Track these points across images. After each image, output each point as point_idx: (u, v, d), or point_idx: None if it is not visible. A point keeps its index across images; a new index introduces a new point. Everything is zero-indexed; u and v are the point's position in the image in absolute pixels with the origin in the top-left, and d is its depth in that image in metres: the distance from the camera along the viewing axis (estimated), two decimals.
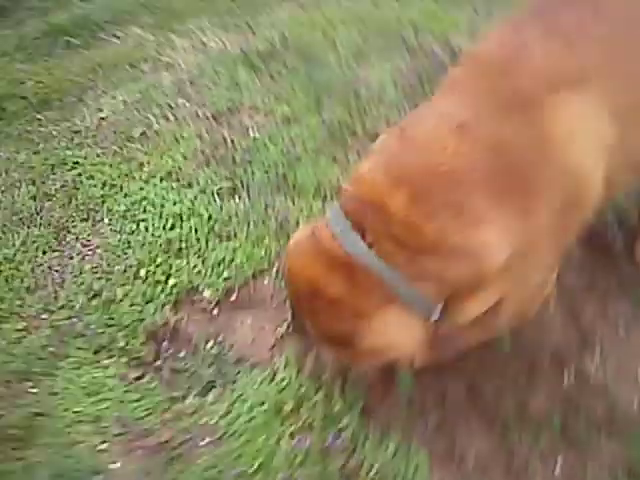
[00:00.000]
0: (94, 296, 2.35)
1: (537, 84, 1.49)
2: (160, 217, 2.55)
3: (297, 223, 2.48)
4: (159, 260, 2.41)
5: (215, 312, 2.30)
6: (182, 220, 2.52)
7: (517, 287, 1.57)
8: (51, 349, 2.28)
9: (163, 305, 2.30)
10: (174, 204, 2.58)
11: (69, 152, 3.04)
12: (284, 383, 2.01)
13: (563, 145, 1.46)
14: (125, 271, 2.41)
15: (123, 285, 2.35)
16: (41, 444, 1.96)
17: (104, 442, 1.99)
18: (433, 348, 1.56)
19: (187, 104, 3.15)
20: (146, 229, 2.53)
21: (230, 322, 2.29)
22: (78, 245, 2.60)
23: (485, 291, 1.49)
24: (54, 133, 3.22)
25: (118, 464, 1.90)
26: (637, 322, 2.09)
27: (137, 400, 2.07)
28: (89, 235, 2.62)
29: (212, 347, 2.21)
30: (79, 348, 2.25)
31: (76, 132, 3.18)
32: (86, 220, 2.71)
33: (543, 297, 1.78)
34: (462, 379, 2.00)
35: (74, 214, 2.74)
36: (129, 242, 2.50)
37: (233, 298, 2.35)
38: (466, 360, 1.99)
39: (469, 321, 1.57)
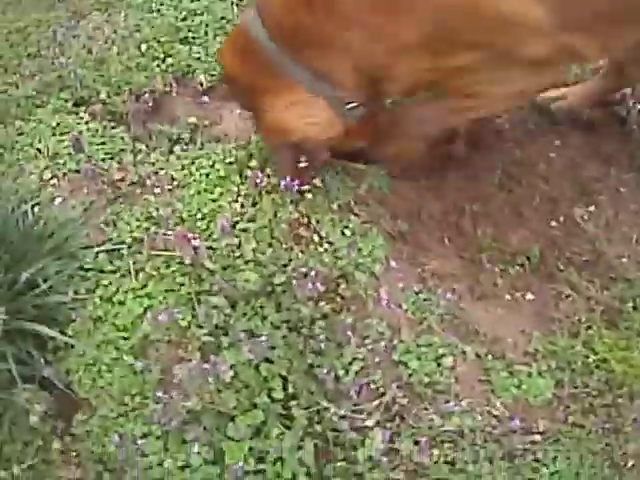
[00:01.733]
0: (90, 55, 2.28)
1: None
2: (175, 9, 2.52)
3: None
4: (163, 40, 2.36)
5: (205, 98, 2.21)
6: (195, 15, 2.48)
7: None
8: (33, 99, 2.24)
9: (155, 77, 2.23)
10: (192, 1, 2.53)
11: None
12: (254, 151, 1.92)
13: None
14: (127, 44, 2.34)
15: (120, 52, 2.29)
16: None
17: (54, 177, 1.95)
18: (380, 135, 1.68)
19: None
20: (159, 15, 2.47)
21: (219, 108, 2.22)
22: (89, 26, 2.56)
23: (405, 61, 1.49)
24: None
25: (60, 199, 1.84)
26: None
27: (101, 144, 2.01)
28: (102, 21, 2.57)
29: (194, 122, 2.12)
30: (60, 98, 2.21)
31: None
32: (104, 11, 2.66)
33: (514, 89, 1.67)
34: (441, 199, 1.89)
35: (93, 3, 2.72)
36: (139, 24, 2.45)
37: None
38: (447, 181, 1.89)
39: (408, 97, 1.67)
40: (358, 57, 1.49)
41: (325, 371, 1.42)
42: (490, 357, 1.57)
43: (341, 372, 1.47)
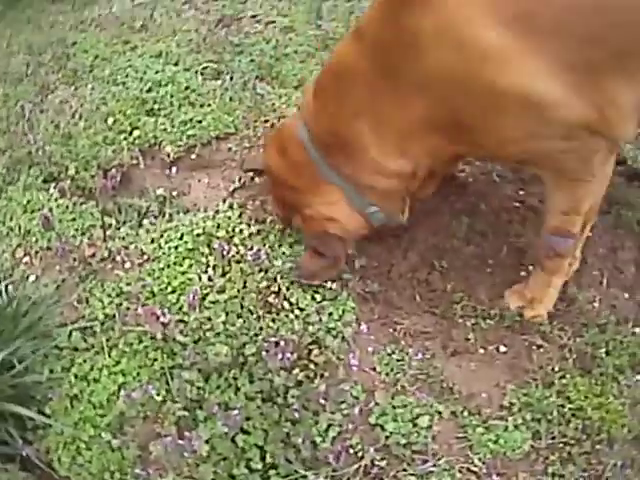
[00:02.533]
0: (58, 130, 2.31)
1: None
2: (140, 81, 2.57)
3: (273, 105, 2.44)
4: (129, 113, 2.40)
5: (173, 169, 2.25)
6: (160, 86, 2.53)
7: None
8: (3, 176, 2.27)
9: (122, 150, 2.27)
10: (156, 73, 2.60)
11: (70, 33, 3.10)
12: (221, 221, 1.94)
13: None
14: (94, 118, 2.38)
15: (87, 127, 2.33)
16: None
17: (26, 255, 1.97)
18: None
19: (193, 10, 3.20)
20: (124, 88, 2.52)
21: (187, 179, 2.26)
22: (56, 101, 2.61)
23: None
24: (61, 20, 3.29)
25: (33, 277, 1.86)
26: None
27: (71, 220, 2.03)
28: (70, 95, 2.61)
29: (162, 194, 2.15)
30: (30, 175, 2.25)
31: (82, 21, 3.25)
32: (71, 84, 2.72)
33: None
34: (409, 256, 1.93)
35: (60, 78, 2.78)
36: (104, 97, 2.49)
37: (193, 156, 2.31)
38: (414, 238, 1.93)
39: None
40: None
41: (302, 439, 1.42)
42: (466, 414, 1.57)
43: (318, 439, 1.47)
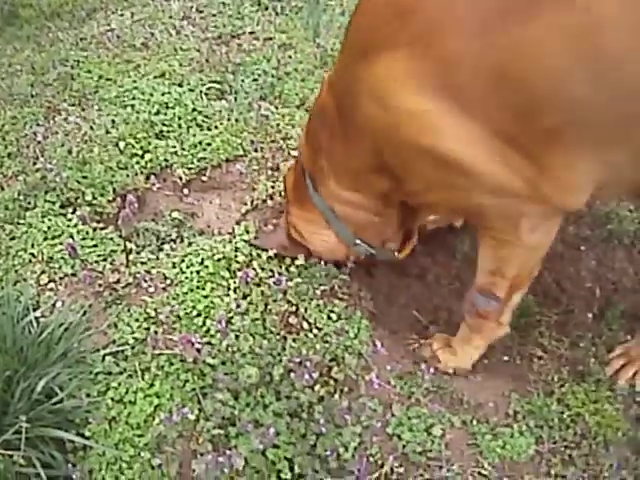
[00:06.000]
0: (71, 156, 2.39)
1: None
2: (147, 103, 2.64)
3: (278, 126, 2.55)
4: (139, 136, 2.48)
5: (185, 191, 2.35)
6: (167, 108, 2.61)
7: None
8: (20, 202, 2.33)
9: (136, 174, 2.36)
10: (162, 94, 2.67)
11: (72, 52, 3.14)
12: (239, 244, 2.05)
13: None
14: (105, 142, 2.46)
15: (100, 152, 2.41)
16: None
17: (52, 281, 2.05)
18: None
19: (191, 27, 3.27)
20: (132, 110, 2.60)
21: (199, 200, 2.36)
22: (65, 123, 2.67)
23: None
24: (60, 37, 3.33)
25: (60, 303, 1.93)
26: None
27: (93, 246, 2.11)
28: (77, 117, 2.69)
29: (177, 217, 2.25)
30: (47, 201, 2.30)
31: (82, 38, 3.29)
32: (77, 105, 2.78)
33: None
34: (420, 277, 2.04)
35: (66, 99, 2.83)
36: (114, 121, 2.57)
37: (204, 178, 2.41)
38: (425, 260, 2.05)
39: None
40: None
41: (327, 450, 1.56)
42: (475, 422, 1.72)
43: (342, 449, 1.60)
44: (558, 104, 1.18)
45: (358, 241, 1.82)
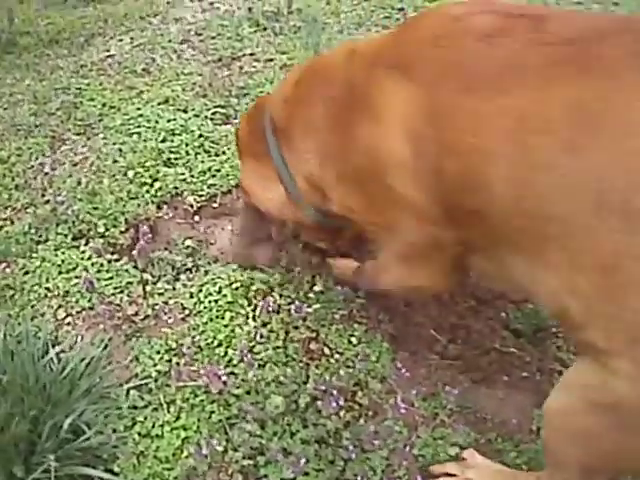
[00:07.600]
0: (80, 187, 2.40)
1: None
2: (154, 131, 2.66)
3: None
4: (148, 165, 2.50)
5: (197, 218, 2.36)
6: (174, 135, 2.63)
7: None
8: (31, 235, 2.34)
9: (147, 204, 2.37)
10: (168, 121, 2.69)
11: (73, 80, 3.16)
12: (256, 271, 2.07)
13: None
14: (114, 172, 2.48)
15: (110, 182, 2.42)
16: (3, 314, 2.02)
17: (69, 316, 2.06)
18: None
19: (191, 50, 3.29)
20: (139, 139, 2.61)
21: (210, 227, 2.38)
22: (71, 154, 2.69)
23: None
24: (60, 65, 3.34)
25: (80, 337, 1.95)
26: None
27: (109, 279, 2.13)
28: (83, 147, 2.71)
29: (190, 244, 2.27)
30: (59, 234, 2.32)
31: (82, 65, 3.30)
32: (82, 134, 2.80)
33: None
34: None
35: (71, 128, 2.85)
36: (121, 149, 2.59)
37: (215, 205, 2.43)
38: None
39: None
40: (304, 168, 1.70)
41: (356, 475, 1.58)
42: (499, 440, 1.73)
43: (370, 473, 1.62)
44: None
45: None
